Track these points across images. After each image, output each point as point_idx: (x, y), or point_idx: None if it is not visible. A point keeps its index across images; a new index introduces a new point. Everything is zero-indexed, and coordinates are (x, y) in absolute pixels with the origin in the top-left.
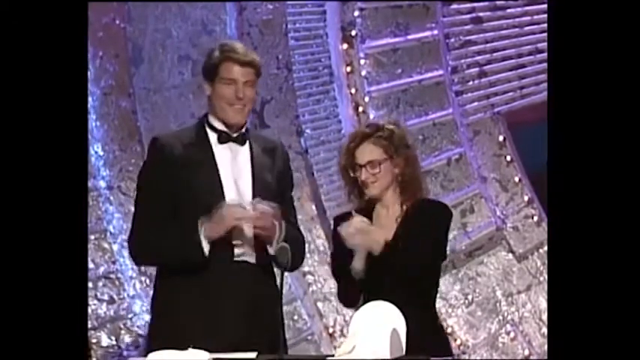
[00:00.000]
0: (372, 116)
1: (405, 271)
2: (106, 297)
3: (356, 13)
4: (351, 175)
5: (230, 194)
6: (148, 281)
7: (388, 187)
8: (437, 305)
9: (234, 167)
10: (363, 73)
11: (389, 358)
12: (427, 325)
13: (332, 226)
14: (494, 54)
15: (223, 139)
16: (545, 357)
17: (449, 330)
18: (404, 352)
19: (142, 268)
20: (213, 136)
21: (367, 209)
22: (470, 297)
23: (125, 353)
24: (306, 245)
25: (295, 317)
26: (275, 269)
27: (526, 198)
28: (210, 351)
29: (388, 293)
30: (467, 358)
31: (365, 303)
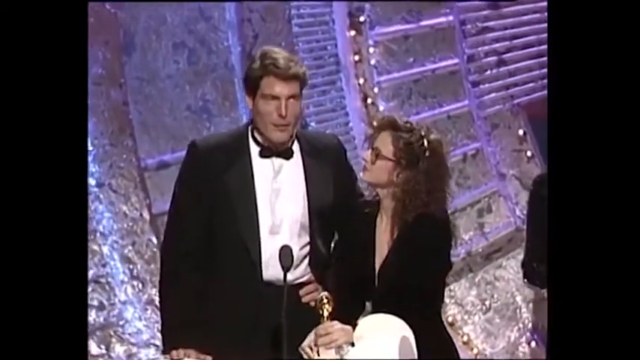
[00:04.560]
0: (381, 108)
1: (404, 289)
2: (95, 302)
3: None
4: None
5: (265, 218)
6: (140, 286)
7: (384, 186)
8: (453, 312)
9: (274, 185)
10: (372, 62)
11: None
12: (429, 336)
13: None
14: (514, 41)
15: (266, 153)
16: None
17: (464, 338)
18: None
19: (135, 272)
20: (255, 150)
21: (372, 213)
22: (487, 303)
23: None
24: None
25: None
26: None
27: None
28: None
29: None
30: None
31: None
